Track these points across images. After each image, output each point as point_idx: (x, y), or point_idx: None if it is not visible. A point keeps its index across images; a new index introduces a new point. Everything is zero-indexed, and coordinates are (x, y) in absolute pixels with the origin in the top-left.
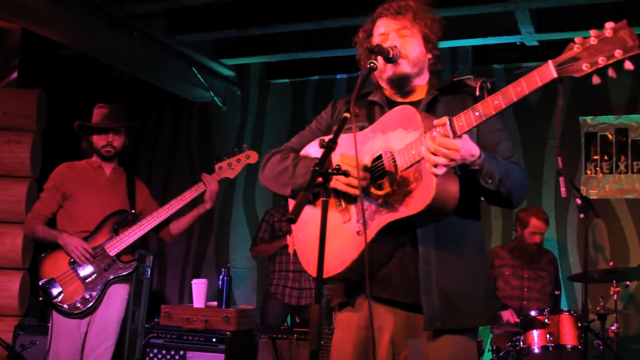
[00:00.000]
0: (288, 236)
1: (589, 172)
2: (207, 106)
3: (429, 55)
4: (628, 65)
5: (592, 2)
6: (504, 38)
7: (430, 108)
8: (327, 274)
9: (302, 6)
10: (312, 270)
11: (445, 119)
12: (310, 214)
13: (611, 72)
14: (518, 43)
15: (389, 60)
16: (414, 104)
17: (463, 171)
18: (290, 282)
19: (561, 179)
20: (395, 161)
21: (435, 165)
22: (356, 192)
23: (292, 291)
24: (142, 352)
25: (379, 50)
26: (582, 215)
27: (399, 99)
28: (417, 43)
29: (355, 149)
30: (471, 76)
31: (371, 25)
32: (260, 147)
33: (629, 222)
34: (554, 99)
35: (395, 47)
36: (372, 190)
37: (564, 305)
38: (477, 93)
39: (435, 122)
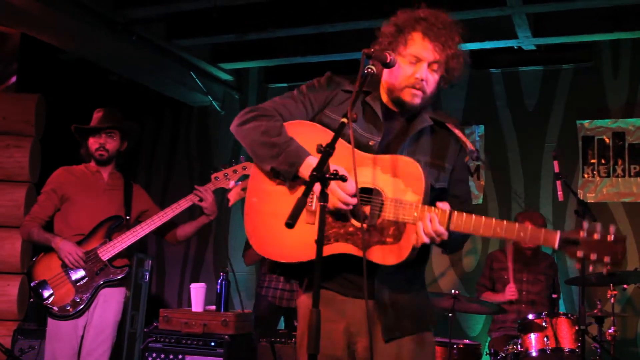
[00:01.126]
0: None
1: (586, 175)
2: (205, 110)
3: (441, 84)
4: (604, 271)
5: (588, 7)
6: (501, 42)
7: (420, 135)
8: (274, 256)
9: (300, 11)
10: (255, 244)
11: (447, 208)
12: (273, 188)
13: (599, 268)
14: (515, 47)
15: (387, 65)
16: (407, 122)
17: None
18: (281, 284)
19: (558, 182)
20: (381, 206)
21: (417, 241)
22: (347, 208)
23: (283, 293)
24: (140, 356)
25: (377, 56)
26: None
27: (394, 109)
28: (438, 77)
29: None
30: (468, 143)
31: (406, 29)
32: None
33: (626, 225)
34: (551, 103)
35: (422, 80)
36: (356, 220)
37: (561, 309)
38: (467, 160)
39: (439, 205)
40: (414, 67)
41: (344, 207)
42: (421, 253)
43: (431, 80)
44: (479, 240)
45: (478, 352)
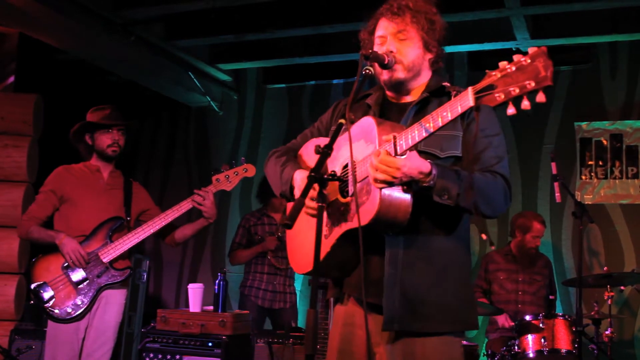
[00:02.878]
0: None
1: (583, 177)
2: (203, 111)
3: (429, 55)
4: (540, 97)
5: (586, 9)
6: (499, 44)
7: (422, 109)
8: (301, 270)
9: (298, 11)
10: (294, 266)
11: (391, 136)
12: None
13: (524, 105)
14: (514, 49)
15: (384, 66)
16: (408, 105)
17: (416, 188)
18: (264, 284)
19: (556, 184)
20: (354, 172)
21: (376, 180)
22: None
23: (266, 293)
24: (138, 356)
25: (374, 57)
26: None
27: (397, 100)
28: (414, 46)
29: (352, 159)
30: (450, 85)
31: (373, 25)
32: (256, 151)
33: (623, 227)
34: (549, 105)
35: (391, 52)
36: (339, 197)
37: (558, 310)
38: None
39: (384, 137)
40: (383, 47)
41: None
42: (443, 217)
43: (404, 49)
44: (476, 241)
45: (475, 353)
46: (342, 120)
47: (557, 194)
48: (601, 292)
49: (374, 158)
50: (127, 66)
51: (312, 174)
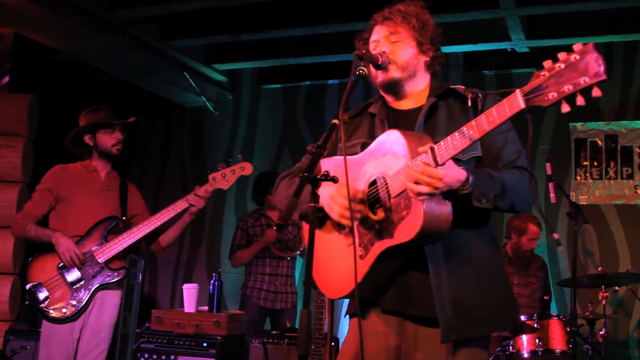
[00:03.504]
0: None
1: (578, 177)
2: (199, 111)
3: (424, 58)
4: (596, 92)
5: (581, 10)
6: (494, 44)
7: (431, 114)
8: (336, 294)
9: (294, 12)
10: (326, 290)
11: (428, 147)
12: (321, 237)
13: (579, 100)
14: (509, 49)
15: (379, 67)
16: (415, 112)
17: (455, 196)
18: (266, 285)
19: (550, 184)
20: (387, 187)
21: (418, 194)
22: (348, 222)
23: (268, 294)
24: (133, 356)
25: (368, 57)
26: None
27: (400, 106)
28: (407, 47)
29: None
30: (462, 86)
31: (368, 33)
32: (251, 152)
33: (618, 227)
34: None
35: (385, 52)
36: (370, 215)
37: (553, 310)
38: (470, 104)
39: (420, 149)
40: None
41: (349, 217)
42: (473, 219)
43: (397, 49)
44: None
45: None
46: (335, 121)
47: (552, 195)
48: (596, 293)
49: (411, 172)
50: (122, 66)
51: (305, 174)
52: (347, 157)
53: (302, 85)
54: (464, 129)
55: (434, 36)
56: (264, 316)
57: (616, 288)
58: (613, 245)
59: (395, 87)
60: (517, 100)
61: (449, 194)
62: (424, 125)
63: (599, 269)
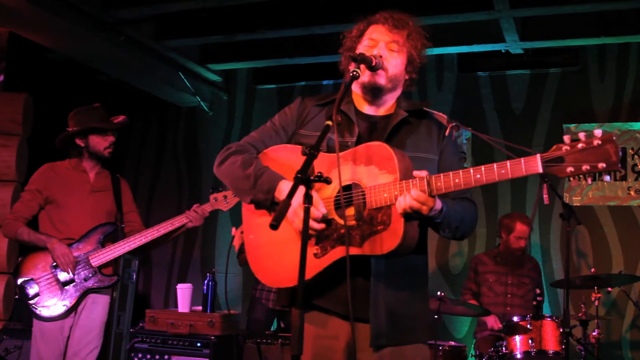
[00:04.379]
0: (234, 229)
1: (572, 179)
2: (193, 111)
3: (407, 77)
4: (607, 178)
5: (575, 12)
6: (489, 46)
7: (397, 127)
8: (277, 284)
9: (289, 12)
10: (262, 277)
11: (424, 175)
12: (263, 220)
13: (589, 178)
14: (503, 51)
15: (372, 68)
16: (382, 119)
17: (425, 221)
18: (275, 287)
19: (544, 186)
20: (364, 197)
21: (405, 214)
22: (316, 226)
23: (276, 295)
24: (126, 356)
25: (362, 59)
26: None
27: (368, 110)
28: (401, 61)
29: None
30: (444, 116)
31: (365, 27)
32: None
33: (611, 229)
34: (538, 107)
35: (380, 56)
36: (336, 218)
37: (546, 311)
38: (447, 133)
39: (415, 173)
40: (372, 49)
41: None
42: (419, 245)
43: (392, 59)
44: (465, 242)
45: (463, 354)
46: (329, 122)
47: (545, 196)
48: (589, 294)
49: (408, 195)
50: (117, 66)
51: (299, 175)
52: (322, 153)
53: (297, 86)
54: (471, 170)
55: (423, 62)
56: (272, 318)
57: (609, 289)
58: (606, 246)
59: (375, 92)
60: (536, 164)
61: (423, 222)
62: (390, 136)
63: (592, 270)
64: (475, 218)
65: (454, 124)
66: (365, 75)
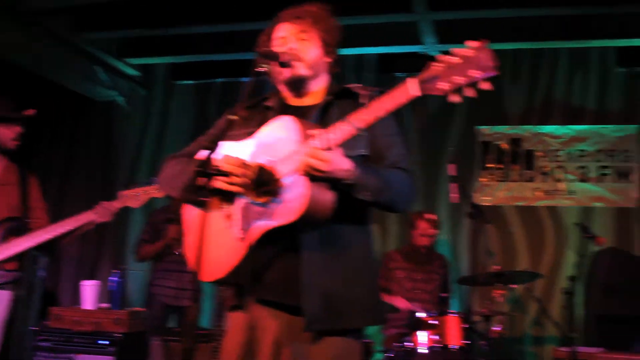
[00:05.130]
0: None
1: (483, 179)
2: (110, 106)
3: (328, 59)
4: (485, 86)
5: (492, 16)
6: (408, 47)
7: (325, 112)
8: (210, 277)
9: (209, 8)
10: (201, 274)
11: (318, 131)
12: (200, 219)
13: (470, 92)
14: (420, 53)
15: (283, 64)
16: (310, 108)
17: (338, 185)
18: (171, 282)
19: (453, 185)
20: (275, 171)
21: (305, 173)
22: (238, 189)
23: (173, 291)
24: (29, 355)
25: (270, 55)
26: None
27: (297, 103)
28: (315, 46)
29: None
30: (360, 85)
31: (271, 29)
32: (162, 148)
33: (518, 228)
34: (453, 108)
35: (292, 49)
36: (253, 197)
37: (455, 308)
38: (365, 102)
39: (310, 132)
40: (284, 47)
41: (236, 184)
42: (353, 215)
43: (304, 47)
44: (377, 239)
45: (370, 349)
46: (232, 117)
47: (453, 195)
48: (493, 291)
49: (302, 153)
50: (31, 57)
51: (199, 168)
52: (237, 141)
53: (216, 82)
54: (359, 112)
55: (339, 40)
56: (168, 314)
57: (514, 286)
58: (513, 245)
59: (299, 84)
60: (411, 88)
61: (334, 184)
62: (318, 121)
63: (497, 267)
64: (410, 186)
65: (370, 91)
66: (285, 72)
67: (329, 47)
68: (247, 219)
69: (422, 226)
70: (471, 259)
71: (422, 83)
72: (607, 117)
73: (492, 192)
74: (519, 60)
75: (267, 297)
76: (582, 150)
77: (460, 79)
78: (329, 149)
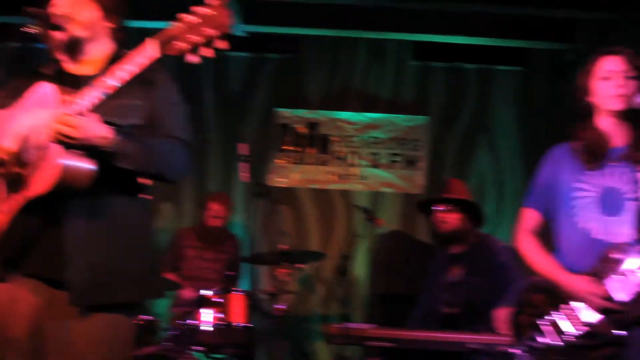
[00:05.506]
0: None
1: (279, 161)
2: None
3: (110, 24)
4: (221, 44)
5: (297, 1)
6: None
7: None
8: None
9: None
10: None
11: (71, 98)
12: None
13: (207, 52)
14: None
15: (54, 27)
16: (89, 78)
17: (96, 153)
18: None
19: (243, 164)
20: (25, 142)
21: (56, 141)
22: None
23: None
24: None
25: (41, 16)
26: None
27: (77, 71)
28: (90, 8)
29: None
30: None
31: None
32: None
33: (312, 210)
34: (255, 89)
35: (63, 11)
36: (15, 168)
37: (244, 287)
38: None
39: (62, 98)
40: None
41: None
42: (125, 184)
43: (79, 9)
44: (171, 219)
45: (156, 327)
46: None
47: (243, 174)
48: (281, 269)
49: (52, 120)
50: None
51: None
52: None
53: (9, 47)
54: (105, 77)
55: (120, 5)
56: None
57: (302, 265)
58: (306, 226)
59: (74, 47)
60: (151, 48)
61: (91, 152)
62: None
63: (284, 246)
64: (181, 156)
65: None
66: (58, 35)
67: (108, 10)
68: (10, 189)
69: (214, 208)
70: (265, 240)
71: (162, 44)
72: (400, 107)
73: (287, 174)
74: (323, 46)
75: (31, 271)
76: (375, 138)
77: (196, 38)
78: (80, 115)
